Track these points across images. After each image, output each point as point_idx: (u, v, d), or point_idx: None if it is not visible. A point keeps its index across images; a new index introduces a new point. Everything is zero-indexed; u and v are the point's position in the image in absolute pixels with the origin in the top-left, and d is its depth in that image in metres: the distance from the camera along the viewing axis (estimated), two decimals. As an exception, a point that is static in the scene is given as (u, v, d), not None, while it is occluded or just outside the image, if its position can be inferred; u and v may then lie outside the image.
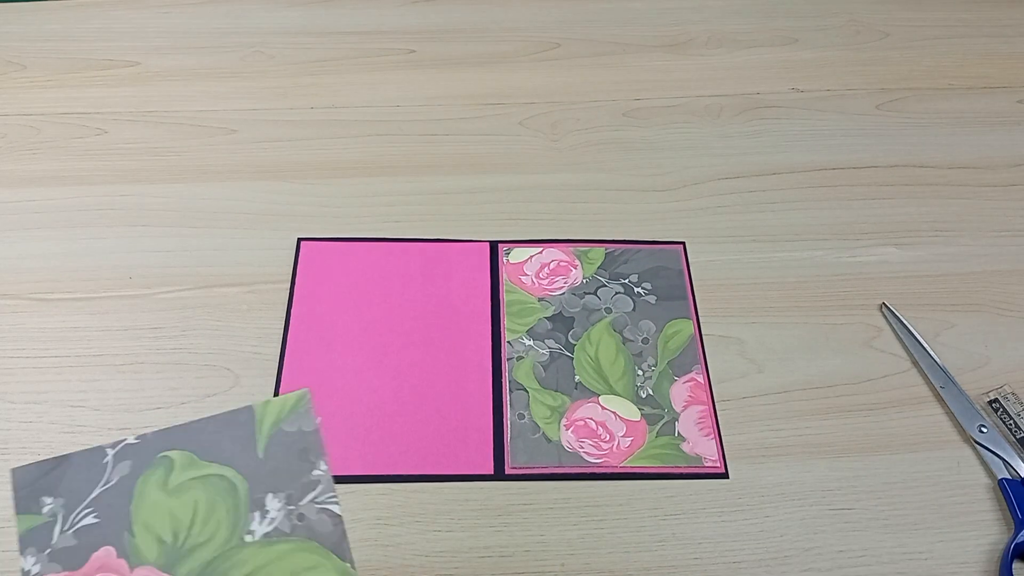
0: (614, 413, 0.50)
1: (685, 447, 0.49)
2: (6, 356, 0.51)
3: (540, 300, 0.55)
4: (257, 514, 0.33)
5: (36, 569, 0.31)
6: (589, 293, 0.56)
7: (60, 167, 0.62)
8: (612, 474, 0.48)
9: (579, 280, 0.56)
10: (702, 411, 0.51)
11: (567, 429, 0.50)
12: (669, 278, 0.57)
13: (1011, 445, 0.49)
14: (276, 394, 0.49)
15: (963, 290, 0.57)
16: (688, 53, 0.73)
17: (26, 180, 0.61)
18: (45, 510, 0.33)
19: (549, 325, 0.54)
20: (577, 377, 0.52)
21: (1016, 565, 0.45)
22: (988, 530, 0.47)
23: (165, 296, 0.55)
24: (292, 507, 0.33)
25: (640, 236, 0.59)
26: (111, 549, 0.32)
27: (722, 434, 0.50)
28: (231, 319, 0.54)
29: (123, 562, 0.31)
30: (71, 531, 0.32)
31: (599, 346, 0.53)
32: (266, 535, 0.32)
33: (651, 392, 0.51)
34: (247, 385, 0.51)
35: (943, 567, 0.45)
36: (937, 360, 0.53)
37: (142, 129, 0.65)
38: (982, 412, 0.51)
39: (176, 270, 0.56)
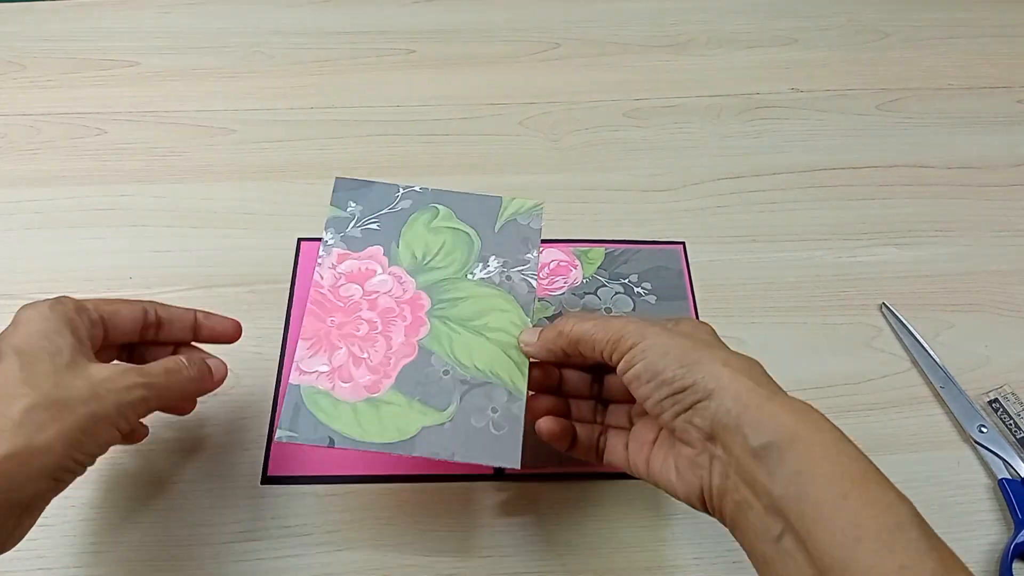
0: None
1: None
2: (6, 356, 0.51)
3: (540, 300, 0.55)
4: (480, 264, 0.47)
5: (332, 241, 0.47)
6: (589, 293, 0.56)
7: (60, 167, 0.62)
8: (611, 474, 0.48)
9: (579, 280, 0.56)
10: None
11: None
12: (669, 278, 0.57)
13: (1011, 445, 0.49)
14: (276, 393, 0.50)
15: (963, 290, 0.57)
16: (688, 53, 0.73)
17: (26, 180, 0.61)
18: (348, 209, 0.48)
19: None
20: None
21: (1016, 565, 0.45)
22: (988, 530, 0.47)
23: (165, 296, 0.55)
24: (505, 270, 0.47)
25: (640, 236, 0.59)
26: (380, 248, 0.47)
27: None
28: (231, 319, 0.54)
29: (385, 260, 0.47)
30: (359, 228, 0.48)
31: None
32: (481, 279, 0.47)
33: None
34: (247, 385, 0.51)
35: (943, 567, 0.45)
36: (937, 360, 0.53)
37: (142, 129, 0.65)
38: (982, 412, 0.51)
39: (176, 270, 0.56)
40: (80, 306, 0.40)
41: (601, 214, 0.60)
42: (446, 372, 0.43)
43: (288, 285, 0.55)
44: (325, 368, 0.43)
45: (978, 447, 0.49)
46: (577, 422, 0.43)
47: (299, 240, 0.57)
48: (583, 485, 0.48)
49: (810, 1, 0.79)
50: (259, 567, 0.44)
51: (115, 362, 0.42)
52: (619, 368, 0.38)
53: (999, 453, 0.49)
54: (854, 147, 0.66)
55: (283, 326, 0.53)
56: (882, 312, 0.56)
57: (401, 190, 0.49)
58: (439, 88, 0.69)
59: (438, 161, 0.64)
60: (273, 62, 0.71)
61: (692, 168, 0.64)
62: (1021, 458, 0.49)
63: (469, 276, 0.46)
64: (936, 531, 0.46)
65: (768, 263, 0.58)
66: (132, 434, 0.43)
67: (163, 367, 0.40)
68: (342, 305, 0.45)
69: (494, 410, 0.42)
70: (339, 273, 0.46)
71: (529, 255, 0.48)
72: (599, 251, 0.58)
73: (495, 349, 0.44)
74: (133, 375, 0.38)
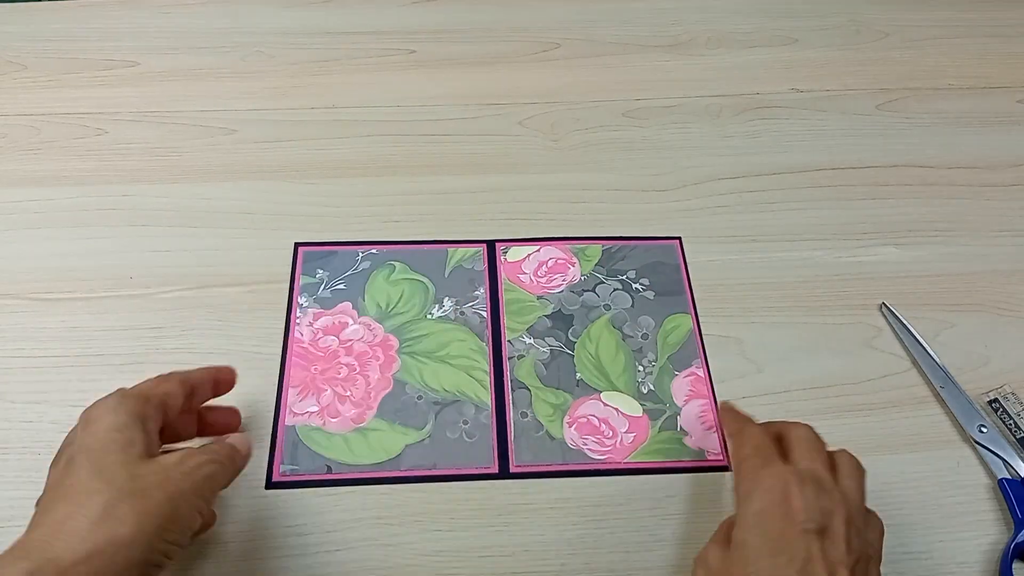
0: (616, 409, 0.51)
1: (688, 441, 0.50)
2: (6, 356, 0.51)
3: (539, 298, 0.55)
4: (437, 305, 0.54)
5: (306, 304, 0.54)
6: (587, 290, 0.56)
7: (60, 167, 0.62)
8: (617, 470, 0.48)
9: (577, 277, 0.56)
10: (703, 405, 0.51)
11: (570, 426, 0.50)
12: (666, 273, 0.57)
13: (1011, 445, 0.49)
14: (279, 392, 0.51)
15: (963, 290, 0.57)
16: (688, 53, 0.73)
17: (26, 180, 0.61)
18: (317, 276, 0.55)
19: (549, 323, 0.54)
20: (578, 374, 0.52)
21: (1016, 565, 0.45)
22: (988, 530, 0.47)
23: (165, 296, 0.55)
24: (458, 307, 0.54)
25: (639, 235, 0.59)
26: (349, 303, 0.54)
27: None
28: (231, 319, 0.54)
29: (355, 312, 0.54)
30: (328, 290, 0.55)
31: (599, 343, 0.53)
32: (439, 317, 0.54)
33: (652, 387, 0.52)
34: (247, 385, 0.50)
35: (943, 567, 0.45)
36: (937, 360, 0.53)
37: (142, 129, 0.65)
38: (982, 412, 0.51)
39: (176, 270, 0.56)
40: (144, 396, 0.40)
41: (601, 214, 0.60)
42: (420, 397, 0.50)
43: (287, 285, 0.55)
44: (315, 408, 0.50)
45: (978, 447, 0.49)
46: None
47: (296, 245, 0.57)
48: (582, 485, 0.48)
49: (810, 1, 0.79)
50: (259, 567, 0.44)
51: (182, 447, 0.41)
52: None
53: (999, 453, 0.49)
54: (854, 147, 0.66)
55: (283, 326, 0.53)
56: (882, 312, 0.56)
57: (360, 254, 0.56)
58: (439, 88, 0.69)
59: (438, 161, 0.64)
60: (273, 62, 0.71)
61: (692, 168, 0.64)
62: (1021, 458, 0.49)
63: (428, 316, 0.54)
64: (936, 531, 0.46)
65: (768, 263, 0.58)
66: (209, 518, 0.43)
67: (226, 443, 0.41)
68: (322, 355, 0.52)
69: (465, 422, 0.49)
70: (316, 329, 0.53)
71: (477, 292, 0.55)
72: (596, 248, 0.58)
73: (459, 372, 0.51)
74: (200, 455, 0.39)
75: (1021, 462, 0.48)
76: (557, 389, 0.51)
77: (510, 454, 0.49)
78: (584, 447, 0.49)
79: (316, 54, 0.71)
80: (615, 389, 0.51)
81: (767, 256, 0.59)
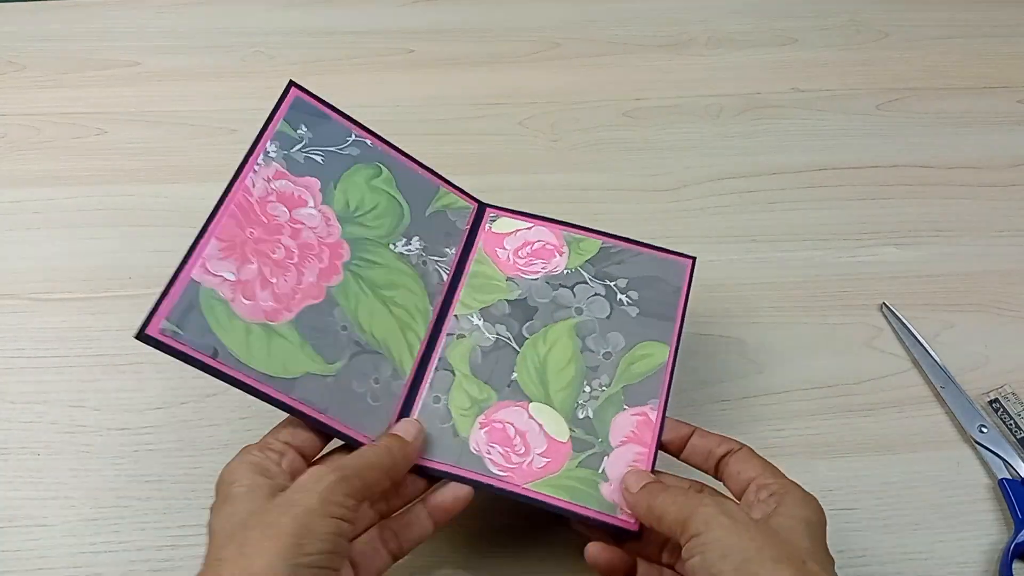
0: (540, 425, 0.43)
1: (604, 489, 0.41)
2: (6, 356, 0.51)
3: (508, 279, 0.48)
4: (404, 239, 0.47)
5: (274, 154, 0.45)
6: (565, 287, 0.48)
7: (60, 167, 0.62)
8: (508, 491, 0.41)
9: (560, 269, 0.49)
10: (640, 454, 0.42)
11: (481, 428, 0.43)
12: (663, 293, 0.48)
13: (1011, 445, 0.49)
14: (199, 236, 0.42)
15: (963, 290, 0.57)
16: (688, 53, 0.73)
17: (26, 180, 0.61)
18: (298, 132, 0.46)
19: (507, 309, 0.47)
20: (515, 374, 0.45)
21: (1016, 565, 0.45)
22: (988, 530, 0.47)
23: (165, 296, 0.55)
24: (423, 254, 0.48)
25: (640, 236, 0.59)
26: (317, 182, 0.45)
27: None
28: (231, 319, 0.53)
29: (320, 195, 0.45)
30: (303, 153, 0.46)
31: (553, 347, 0.46)
32: (401, 254, 0.47)
33: (590, 415, 0.43)
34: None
35: (943, 567, 0.45)
36: (937, 360, 0.53)
37: (142, 129, 0.65)
38: (982, 412, 0.51)
39: (176, 270, 0.56)
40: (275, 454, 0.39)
41: (600, 214, 0.60)
42: (344, 328, 0.43)
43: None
44: (231, 277, 0.40)
45: (978, 447, 0.49)
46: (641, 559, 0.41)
47: (291, 83, 0.48)
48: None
49: (810, 1, 0.79)
50: (259, 567, 0.44)
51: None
52: (682, 553, 0.36)
53: (999, 453, 0.49)
54: (854, 147, 0.66)
55: (237, 166, 0.46)
56: (882, 312, 0.56)
57: (352, 137, 0.48)
58: (439, 88, 0.69)
59: (438, 161, 0.63)
60: (273, 62, 0.71)
61: (692, 168, 0.64)
62: (1021, 458, 0.49)
63: (391, 246, 0.46)
64: (936, 531, 0.46)
65: (768, 263, 0.58)
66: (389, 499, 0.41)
67: (357, 452, 0.39)
68: (265, 221, 0.43)
69: (376, 381, 0.42)
70: (272, 189, 0.43)
71: (448, 250, 0.49)
72: (594, 243, 0.50)
73: (394, 324, 0.45)
74: (323, 470, 0.36)
75: (1021, 462, 0.48)
76: (485, 383, 0.44)
77: None
78: (487, 456, 0.42)
79: (316, 54, 0.71)
80: (548, 403, 0.44)
81: (767, 256, 0.59)
